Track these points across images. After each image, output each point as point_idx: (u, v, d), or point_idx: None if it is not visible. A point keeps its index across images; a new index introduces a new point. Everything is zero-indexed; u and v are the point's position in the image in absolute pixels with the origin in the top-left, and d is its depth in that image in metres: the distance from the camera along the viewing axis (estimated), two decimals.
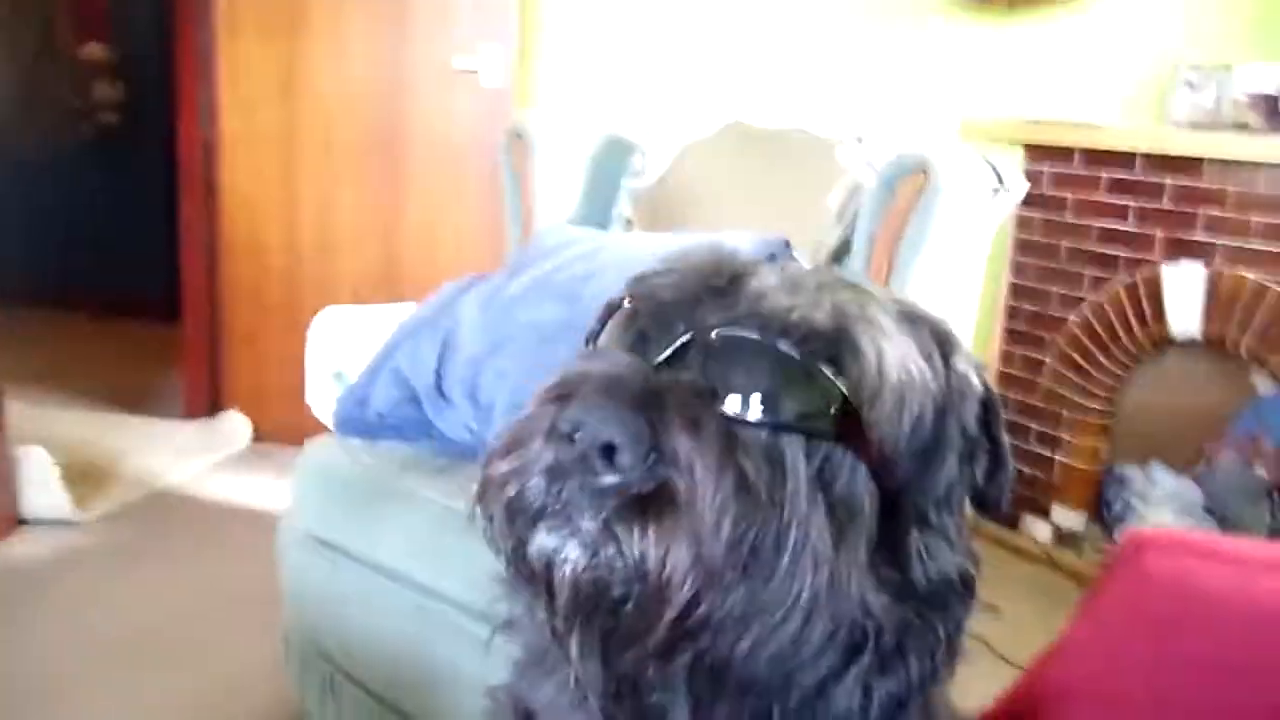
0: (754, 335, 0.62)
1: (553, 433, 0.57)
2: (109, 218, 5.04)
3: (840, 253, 1.91)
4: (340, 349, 2.15)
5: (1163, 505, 3.06)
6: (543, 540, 0.59)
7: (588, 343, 0.72)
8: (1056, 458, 3.23)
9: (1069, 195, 3.10)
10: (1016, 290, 3.32)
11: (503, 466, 0.60)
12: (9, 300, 4.76)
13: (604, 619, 0.59)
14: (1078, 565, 3.11)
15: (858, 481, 0.62)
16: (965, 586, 0.70)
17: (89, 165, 5.05)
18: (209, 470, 3.39)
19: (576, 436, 0.55)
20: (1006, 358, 3.37)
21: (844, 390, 0.61)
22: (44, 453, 2.89)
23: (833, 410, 0.60)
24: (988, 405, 0.73)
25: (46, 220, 5.08)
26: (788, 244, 1.88)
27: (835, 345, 0.62)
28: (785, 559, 0.58)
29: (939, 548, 0.68)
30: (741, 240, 1.87)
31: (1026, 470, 3.31)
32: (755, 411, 0.60)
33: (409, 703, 1.69)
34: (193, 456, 3.45)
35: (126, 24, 4.98)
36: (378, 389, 1.85)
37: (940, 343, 0.70)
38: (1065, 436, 3.20)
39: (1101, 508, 3.18)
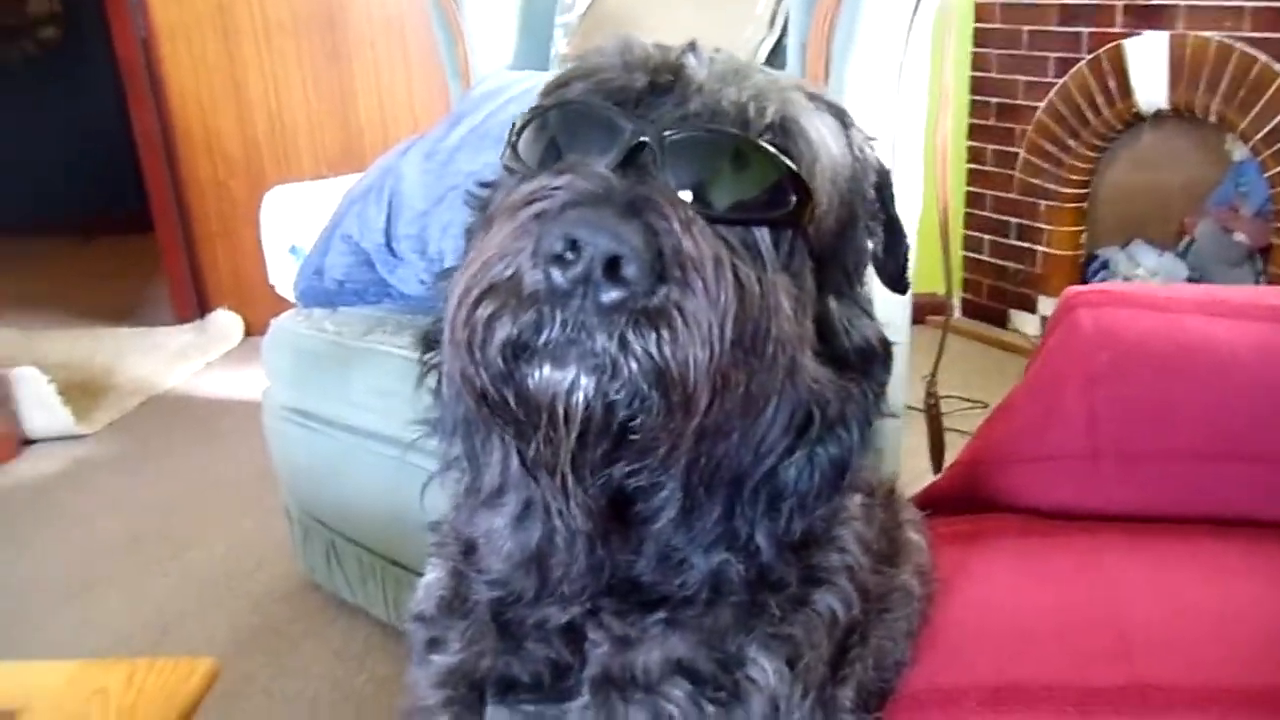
0: (713, 131, 0.61)
1: (541, 255, 0.53)
2: (67, 136, 4.96)
3: (773, 60, 1.86)
4: (293, 225, 2.15)
5: (1147, 283, 3.06)
6: (548, 374, 0.55)
7: (504, 164, 0.69)
8: (1038, 249, 3.22)
9: None
10: (980, 84, 3.25)
11: (488, 306, 0.55)
12: None
13: (607, 443, 0.57)
14: None
15: (802, 259, 0.64)
16: (884, 351, 0.72)
17: (37, 84, 4.95)
18: (204, 370, 3.43)
19: (572, 255, 0.52)
20: (976, 154, 3.32)
21: (801, 175, 0.62)
22: (37, 372, 2.92)
23: (791, 197, 0.61)
24: (882, 178, 0.74)
25: (3, 146, 4.99)
26: None
27: (784, 133, 0.63)
28: (771, 348, 0.59)
29: (857, 316, 0.71)
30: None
31: (1010, 265, 3.30)
32: (727, 207, 0.60)
33: (403, 554, 1.75)
34: (187, 359, 3.48)
35: None
36: (331, 257, 1.84)
37: (842, 120, 0.70)
38: (1045, 227, 3.18)
39: None
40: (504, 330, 0.54)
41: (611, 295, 0.52)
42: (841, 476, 0.69)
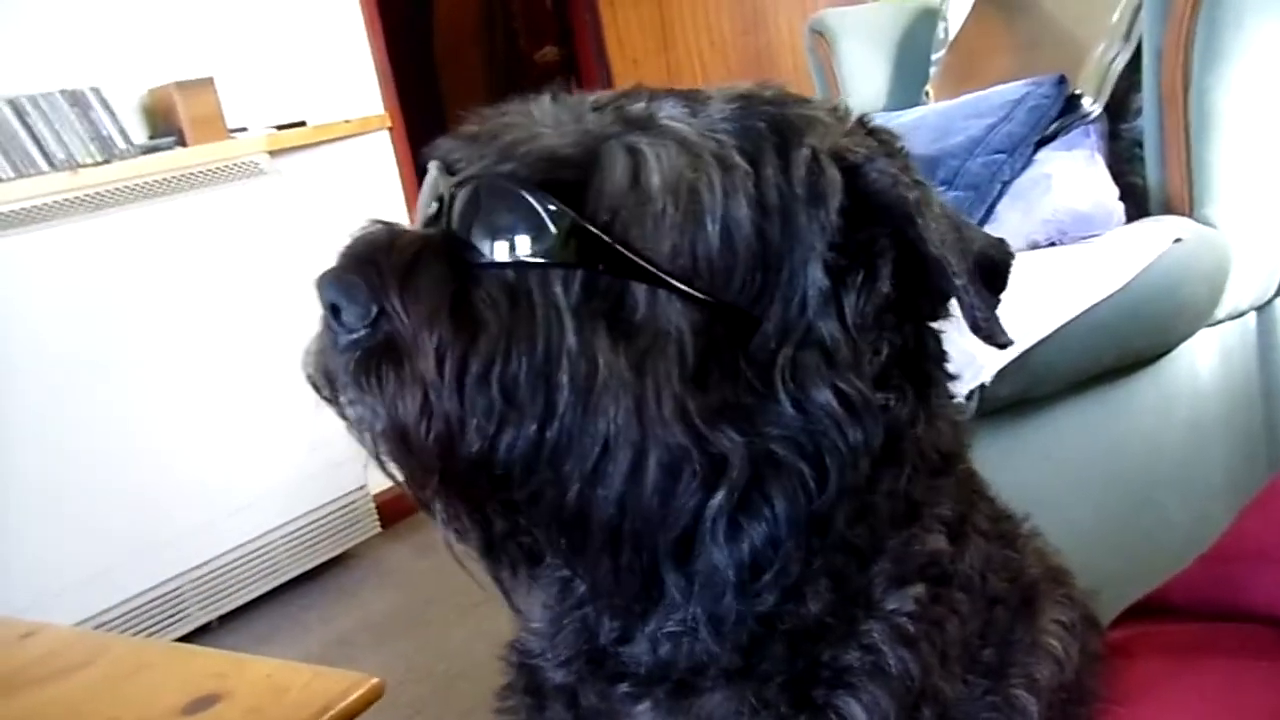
0: (479, 174, 0.60)
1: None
2: None
3: (1133, 76, 1.64)
4: None
5: None
6: (345, 412, 0.60)
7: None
8: None
9: None
10: None
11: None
12: None
13: (428, 476, 0.60)
14: None
15: (659, 305, 0.58)
16: (848, 411, 0.61)
17: None
18: None
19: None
20: None
21: (570, 214, 0.57)
22: None
23: (570, 236, 0.57)
24: (890, 205, 0.63)
25: None
26: (1060, 81, 1.66)
27: (581, 167, 0.58)
28: (563, 392, 0.56)
29: (809, 369, 0.61)
30: (1005, 91, 1.69)
31: None
32: (497, 251, 0.58)
33: None
34: None
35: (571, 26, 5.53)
36: None
37: (781, 137, 0.62)
38: None
39: None
40: (307, 370, 0.61)
41: (341, 339, 0.57)
42: (773, 547, 0.61)
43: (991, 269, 0.67)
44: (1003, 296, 0.67)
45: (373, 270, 0.56)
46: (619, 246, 0.57)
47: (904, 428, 0.65)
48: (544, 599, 0.73)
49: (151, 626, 2.40)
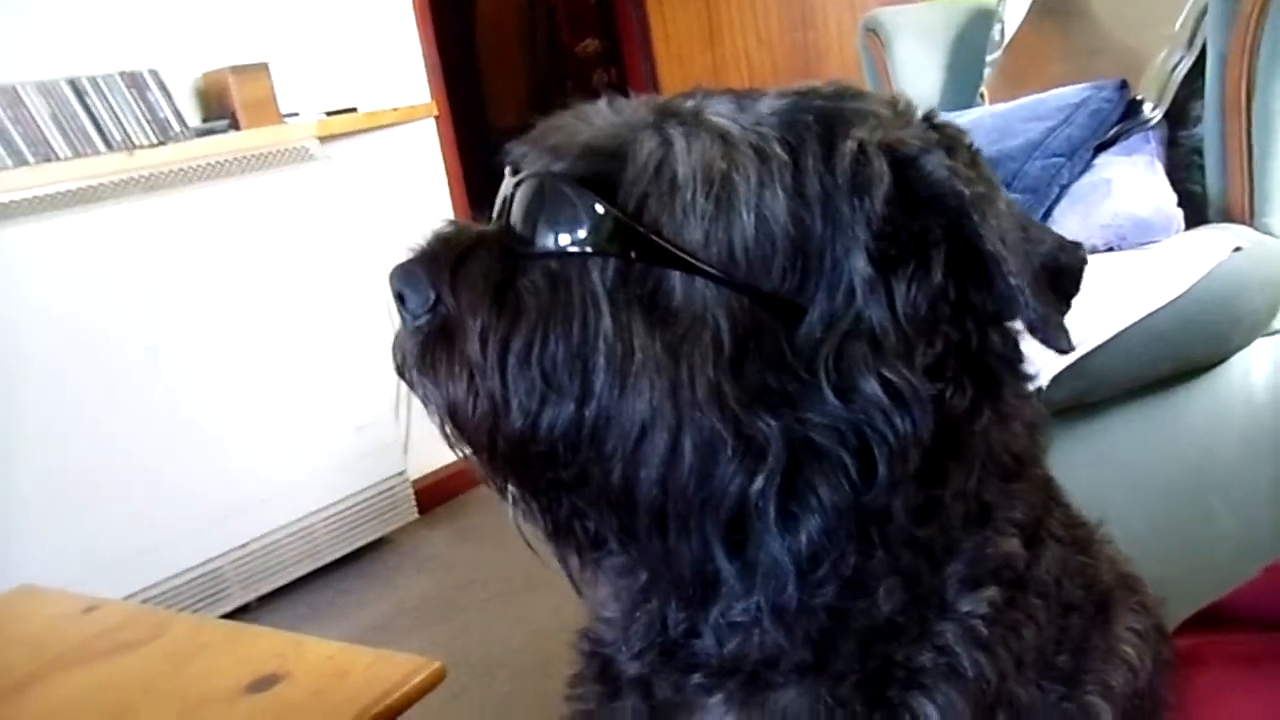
0: (531, 173, 0.63)
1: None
2: None
3: (1194, 83, 1.62)
4: None
5: None
6: (420, 394, 0.64)
7: None
8: None
9: None
10: None
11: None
12: None
13: (493, 457, 0.63)
14: None
15: (694, 291, 0.59)
16: (894, 400, 0.61)
17: None
18: None
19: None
20: None
21: (600, 203, 0.59)
22: None
23: (603, 225, 0.59)
24: (944, 197, 0.62)
25: None
26: (1122, 86, 1.65)
27: (616, 158, 0.60)
28: (600, 373, 0.58)
29: (855, 357, 0.61)
30: (1065, 94, 1.69)
31: None
32: (543, 242, 0.61)
33: None
34: None
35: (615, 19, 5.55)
36: None
37: (827, 129, 0.62)
38: None
39: None
40: (394, 358, 0.65)
41: (410, 325, 0.62)
42: (828, 537, 0.61)
43: (1060, 272, 0.66)
44: (1072, 302, 0.67)
45: (432, 261, 0.61)
46: (648, 233, 0.59)
47: (963, 422, 0.65)
48: (613, 588, 0.74)
49: (192, 605, 2.43)
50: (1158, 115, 1.65)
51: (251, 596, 2.55)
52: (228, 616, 2.45)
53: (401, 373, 0.65)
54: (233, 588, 2.51)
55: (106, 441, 2.27)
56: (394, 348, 0.65)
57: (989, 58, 2.17)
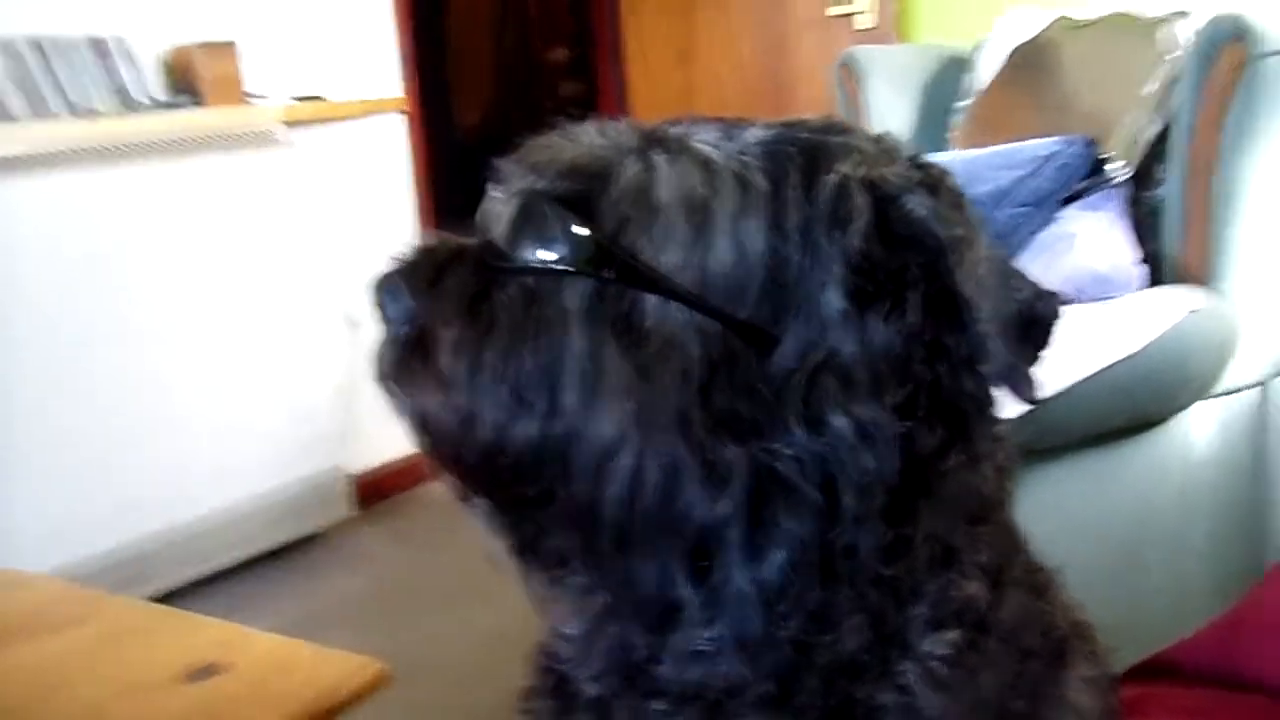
0: (515, 190, 0.64)
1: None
2: None
3: (1158, 146, 1.67)
4: None
5: None
6: (395, 403, 0.64)
7: None
8: None
9: None
10: None
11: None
12: None
13: (461, 469, 0.64)
14: None
15: (668, 314, 0.59)
16: (860, 437, 0.61)
17: None
18: None
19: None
20: None
21: (578, 222, 0.60)
22: None
23: (579, 244, 0.60)
24: (923, 238, 0.62)
25: None
26: (1090, 143, 1.69)
27: (597, 178, 0.61)
28: (568, 390, 0.58)
29: (825, 390, 0.61)
30: (1035, 146, 1.72)
31: None
32: (522, 258, 0.61)
33: None
34: None
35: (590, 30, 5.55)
36: None
37: (810, 161, 0.62)
38: None
39: None
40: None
41: (390, 335, 0.62)
42: (792, 569, 0.62)
43: (1033, 322, 0.67)
44: (1041, 353, 0.67)
45: (412, 272, 0.62)
46: (626, 255, 0.59)
47: (931, 462, 0.65)
48: (576, 607, 0.74)
49: (112, 586, 2.36)
50: (1126, 174, 1.69)
51: (175, 582, 2.49)
52: (149, 601, 2.39)
53: (381, 382, 0.65)
54: (156, 571, 2.45)
55: (35, 416, 2.21)
56: (375, 356, 0.65)
57: (958, 104, 2.21)
